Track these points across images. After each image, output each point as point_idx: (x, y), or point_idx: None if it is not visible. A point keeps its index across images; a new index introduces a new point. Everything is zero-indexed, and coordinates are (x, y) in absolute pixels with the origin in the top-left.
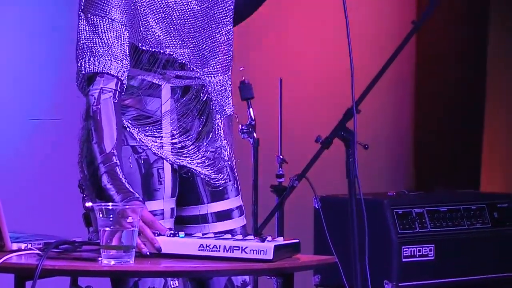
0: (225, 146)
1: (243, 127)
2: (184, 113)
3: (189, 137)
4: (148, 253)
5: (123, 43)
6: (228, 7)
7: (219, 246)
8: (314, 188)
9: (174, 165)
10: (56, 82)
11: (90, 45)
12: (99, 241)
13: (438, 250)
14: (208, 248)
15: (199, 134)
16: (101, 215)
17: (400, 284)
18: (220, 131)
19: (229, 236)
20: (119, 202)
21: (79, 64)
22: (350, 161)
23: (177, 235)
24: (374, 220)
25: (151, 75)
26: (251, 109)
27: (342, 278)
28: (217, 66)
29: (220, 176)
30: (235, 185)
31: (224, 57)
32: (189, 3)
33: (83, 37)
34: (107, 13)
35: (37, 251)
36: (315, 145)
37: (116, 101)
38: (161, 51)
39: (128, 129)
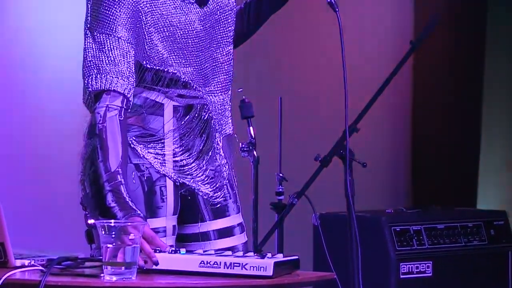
0: (224, 165)
1: (243, 146)
2: (186, 131)
3: (190, 155)
4: (144, 266)
5: (129, 61)
6: (229, 28)
7: (220, 262)
8: (313, 205)
9: (176, 182)
10: None
11: (96, 63)
12: (101, 257)
13: (435, 266)
14: (209, 264)
15: (200, 153)
16: (103, 232)
17: None
18: (219, 149)
19: (229, 252)
20: (121, 218)
21: (85, 81)
22: (349, 179)
23: (178, 251)
24: (372, 237)
25: (154, 94)
26: (251, 128)
27: None
28: (218, 86)
29: (220, 194)
30: (236, 203)
31: (225, 76)
32: (193, 23)
33: (89, 54)
34: (113, 31)
35: (40, 268)
36: (314, 163)
37: (122, 118)
38: (165, 69)
39: (131, 145)
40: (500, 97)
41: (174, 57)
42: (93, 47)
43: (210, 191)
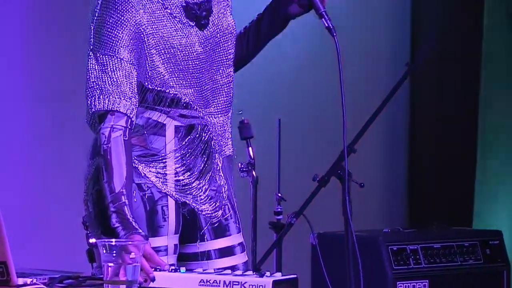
0: (224, 185)
1: (242, 166)
2: (187, 151)
3: (192, 175)
4: (143, 283)
5: (132, 82)
6: (229, 51)
7: (219, 281)
8: (311, 225)
9: (178, 201)
10: None
11: (99, 84)
12: (102, 276)
13: (432, 285)
14: (208, 283)
15: (201, 172)
16: (104, 251)
17: None
18: (219, 170)
19: (229, 271)
20: (123, 237)
21: (88, 102)
22: (347, 199)
23: (178, 270)
24: (370, 256)
25: (156, 114)
26: (250, 148)
27: None
28: (218, 107)
29: (220, 212)
30: (236, 223)
31: (225, 98)
32: (193, 45)
33: (92, 76)
34: (116, 53)
35: (43, 286)
36: (312, 184)
37: (126, 138)
38: (166, 90)
39: (133, 165)
40: (495, 119)
41: (175, 78)
42: (96, 68)
43: (211, 210)
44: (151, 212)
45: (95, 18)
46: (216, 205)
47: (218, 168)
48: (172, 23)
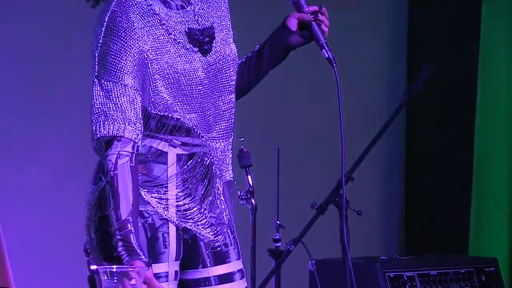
0: (225, 209)
1: (241, 194)
2: (188, 177)
3: (193, 200)
4: None
5: (136, 107)
6: (231, 77)
7: None
8: (310, 252)
9: (179, 227)
10: None
11: (104, 110)
12: None
13: None
14: None
15: (202, 197)
16: (105, 277)
17: None
18: (220, 195)
19: None
20: (126, 262)
21: (94, 128)
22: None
23: None
24: (367, 283)
25: (157, 142)
26: (249, 176)
27: None
28: (219, 132)
29: (221, 238)
30: (236, 250)
31: (226, 124)
32: (197, 70)
33: (97, 102)
34: (120, 79)
35: None
36: (310, 211)
37: (133, 164)
38: (169, 115)
39: None
40: (492, 143)
41: (178, 103)
42: (101, 94)
43: (212, 235)
44: (152, 239)
45: (99, 45)
46: (217, 230)
47: (219, 193)
48: (176, 48)
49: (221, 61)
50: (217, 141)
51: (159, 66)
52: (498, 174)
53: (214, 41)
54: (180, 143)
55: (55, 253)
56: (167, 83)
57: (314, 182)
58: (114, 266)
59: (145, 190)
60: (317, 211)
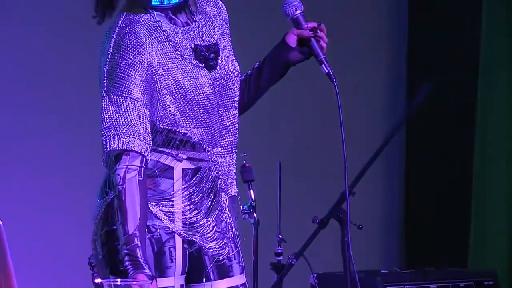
0: (230, 223)
1: (244, 208)
2: (195, 190)
3: (199, 213)
4: None
5: (145, 122)
6: (235, 93)
7: None
8: (311, 266)
9: (186, 239)
10: None
11: (114, 124)
12: None
13: None
14: None
15: (208, 210)
16: None
17: None
18: (226, 208)
19: None
20: (131, 276)
21: (104, 141)
22: (345, 240)
23: None
24: None
25: (164, 156)
26: (251, 191)
27: None
28: (224, 147)
29: (225, 251)
30: (239, 264)
31: (230, 139)
32: (203, 86)
33: (107, 116)
34: (129, 93)
35: None
36: (312, 225)
37: (141, 178)
38: (176, 130)
39: None
40: (491, 159)
41: (185, 118)
42: (110, 109)
43: (217, 248)
44: (158, 253)
45: (108, 60)
46: (223, 243)
47: (224, 207)
48: (183, 64)
49: (225, 77)
50: (222, 156)
51: (167, 81)
52: (497, 188)
53: (219, 58)
54: (186, 157)
55: (59, 266)
56: (174, 98)
57: (315, 196)
58: (118, 280)
59: (153, 203)
60: (319, 225)
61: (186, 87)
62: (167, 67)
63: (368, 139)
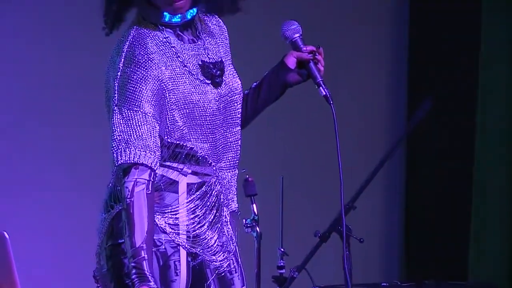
0: (232, 237)
1: (247, 222)
2: (198, 204)
3: (202, 227)
4: None
5: (155, 135)
6: (237, 110)
7: None
8: (313, 278)
9: (190, 251)
10: None
11: (125, 138)
12: None
13: None
14: None
15: (211, 224)
16: None
17: None
18: (227, 222)
19: None
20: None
21: (114, 155)
22: (346, 254)
23: None
24: None
25: (169, 171)
26: (254, 205)
27: None
28: (227, 162)
29: (226, 263)
30: (240, 277)
31: (233, 155)
32: (210, 102)
33: (118, 130)
34: (140, 108)
35: None
36: (313, 239)
37: (149, 192)
38: (184, 144)
39: None
40: (491, 173)
41: (192, 132)
42: (121, 122)
43: (220, 261)
44: (164, 266)
45: (118, 74)
46: (225, 256)
47: (226, 220)
48: (191, 80)
49: (230, 94)
50: (225, 171)
51: (176, 96)
52: (497, 202)
53: (224, 75)
54: (191, 172)
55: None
56: (182, 113)
57: (317, 210)
58: None
59: (159, 216)
60: (320, 239)
61: (194, 102)
62: (176, 82)
63: (369, 154)
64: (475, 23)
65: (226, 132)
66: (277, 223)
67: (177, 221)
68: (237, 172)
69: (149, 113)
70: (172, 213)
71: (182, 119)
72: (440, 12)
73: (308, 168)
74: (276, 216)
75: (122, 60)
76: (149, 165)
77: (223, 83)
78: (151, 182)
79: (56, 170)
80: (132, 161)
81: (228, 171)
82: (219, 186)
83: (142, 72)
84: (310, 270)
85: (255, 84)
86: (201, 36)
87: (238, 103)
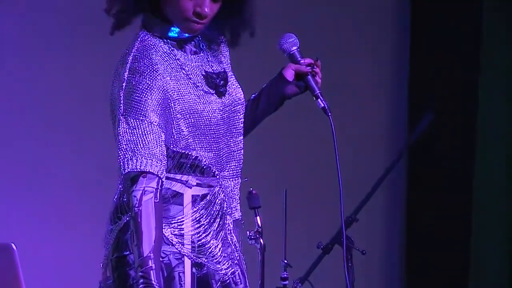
0: (236, 245)
1: (250, 234)
2: (203, 214)
3: (207, 236)
4: None
5: (161, 144)
6: (240, 120)
7: None
8: None
9: (194, 261)
10: None
11: (131, 146)
12: None
13: None
14: None
15: (215, 234)
16: None
17: None
18: (231, 232)
19: None
20: None
21: (121, 164)
22: (349, 265)
23: None
24: None
25: (174, 183)
26: (258, 217)
27: None
28: (230, 171)
29: (230, 271)
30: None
31: (236, 164)
32: (214, 112)
33: (124, 139)
34: (146, 117)
35: None
36: (316, 251)
37: (157, 200)
38: (189, 153)
39: None
40: (492, 183)
41: (197, 141)
42: (128, 131)
43: (225, 269)
44: (168, 278)
45: (124, 84)
46: (230, 264)
47: (229, 229)
48: (195, 90)
49: (233, 104)
50: (228, 180)
51: (181, 106)
52: (498, 216)
53: (227, 85)
54: (195, 184)
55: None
56: (188, 122)
57: (320, 223)
58: None
59: (165, 227)
60: (323, 250)
61: (199, 112)
62: (181, 93)
63: (369, 165)
64: (475, 23)
65: (230, 141)
66: (280, 235)
67: (182, 232)
68: (240, 181)
69: (155, 122)
70: (178, 224)
71: (188, 128)
72: (440, 13)
73: (311, 181)
74: (280, 228)
75: (127, 71)
76: (156, 173)
77: (226, 93)
78: (159, 190)
79: (62, 176)
80: (139, 169)
81: (231, 179)
82: (222, 195)
83: (148, 82)
84: (313, 281)
85: (253, 95)
86: (203, 48)
87: (241, 113)
